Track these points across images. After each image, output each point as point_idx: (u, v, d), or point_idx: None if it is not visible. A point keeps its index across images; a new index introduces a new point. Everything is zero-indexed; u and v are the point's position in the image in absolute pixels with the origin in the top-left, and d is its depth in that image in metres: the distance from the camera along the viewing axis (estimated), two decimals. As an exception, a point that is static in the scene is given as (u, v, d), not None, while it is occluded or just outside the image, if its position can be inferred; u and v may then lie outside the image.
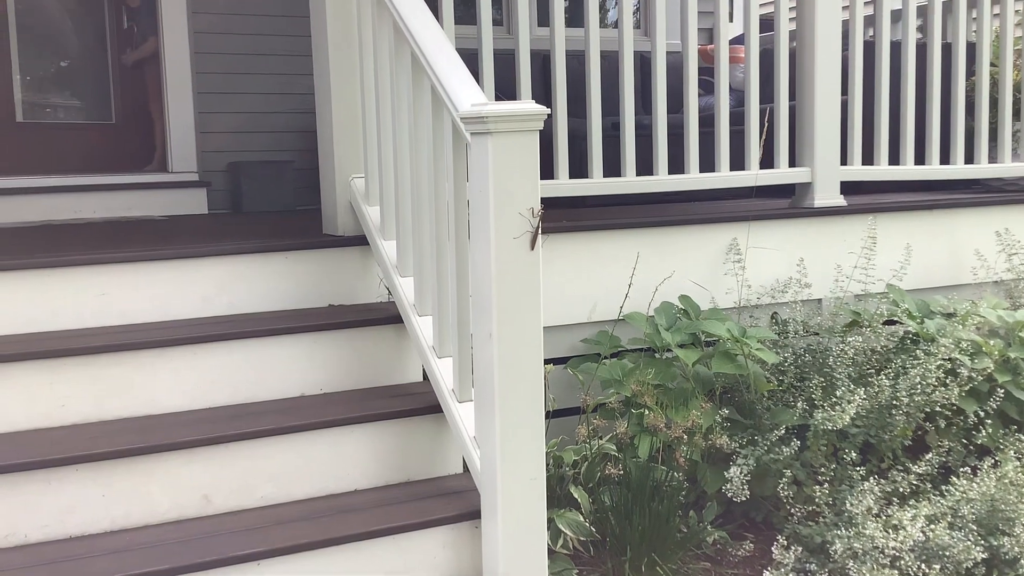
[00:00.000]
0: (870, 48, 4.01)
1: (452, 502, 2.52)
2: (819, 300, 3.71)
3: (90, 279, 2.77)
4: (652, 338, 3.20)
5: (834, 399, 3.00)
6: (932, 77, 4.11)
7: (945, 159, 4.21)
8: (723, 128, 3.66)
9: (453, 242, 2.51)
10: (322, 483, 2.57)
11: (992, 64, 4.41)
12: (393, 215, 2.90)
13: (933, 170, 4.17)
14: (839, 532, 2.73)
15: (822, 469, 2.98)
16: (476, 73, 2.82)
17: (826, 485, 2.89)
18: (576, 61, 3.48)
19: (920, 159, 4.14)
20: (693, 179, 3.63)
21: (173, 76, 5.09)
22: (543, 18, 3.80)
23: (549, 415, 2.46)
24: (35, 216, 4.68)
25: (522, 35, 3.35)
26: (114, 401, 2.58)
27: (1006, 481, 2.85)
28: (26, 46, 5.12)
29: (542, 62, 4.65)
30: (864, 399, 2.99)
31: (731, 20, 4.48)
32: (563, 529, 2.61)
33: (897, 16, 4.18)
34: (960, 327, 3.35)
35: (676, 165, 3.61)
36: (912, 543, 2.62)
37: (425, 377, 2.79)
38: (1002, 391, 3.23)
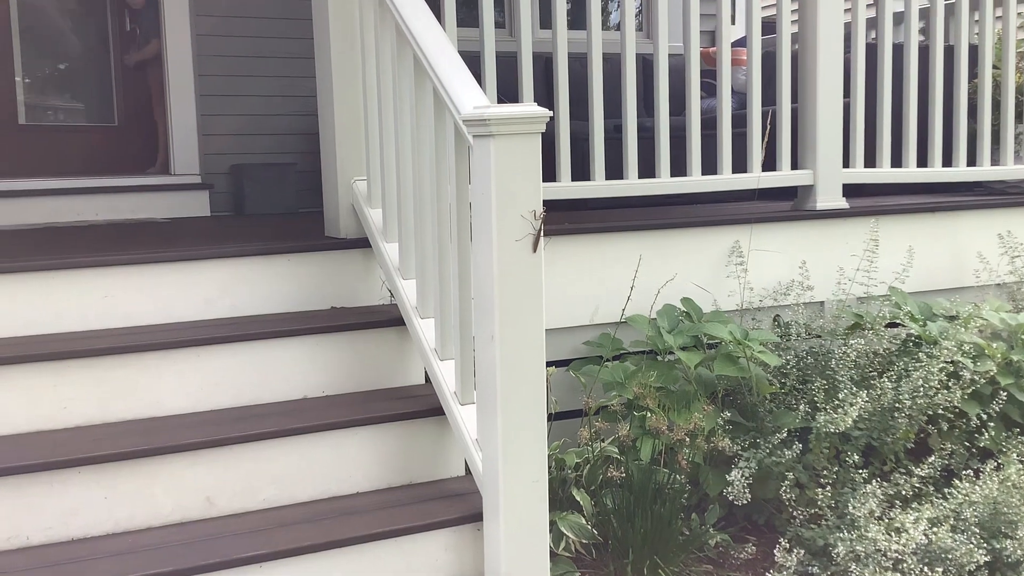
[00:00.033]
0: (872, 50, 4.01)
1: (454, 504, 2.52)
2: (821, 303, 3.71)
3: (93, 281, 2.77)
4: (654, 340, 3.20)
5: (836, 402, 3.00)
6: (934, 79, 4.11)
7: (947, 161, 4.21)
8: (725, 130, 3.66)
9: (455, 244, 2.51)
10: (325, 485, 2.57)
11: (995, 66, 4.41)
12: (395, 217, 2.90)
13: (935, 172, 4.17)
14: (841, 535, 2.72)
15: (824, 472, 2.98)
16: (478, 75, 2.83)
17: (828, 488, 2.89)
18: (578, 63, 3.48)
19: (922, 161, 4.14)
20: (695, 182, 3.63)
21: (175, 78, 5.10)
22: (545, 20, 3.80)
23: (551, 417, 2.46)
24: (38, 218, 4.68)
25: (524, 37, 3.36)
26: (117, 403, 2.58)
27: (1009, 484, 2.85)
28: (29, 48, 5.13)
29: (544, 64, 4.66)
30: (866, 402, 2.99)
31: (733, 22, 4.48)
32: (565, 532, 2.61)
33: (899, 18, 4.19)
34: (962, 330, 3.34)
35: (678, 167, 3.61)
36: (914, 546, 2.62)
37: (427, 379, 2.79)
38: (1005, 394, 3.23)
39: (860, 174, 3.95)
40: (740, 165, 3.73)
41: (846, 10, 3.86)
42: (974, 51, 4.33)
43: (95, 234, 3.92)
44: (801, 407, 3.07)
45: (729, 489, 2.83)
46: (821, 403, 3.03)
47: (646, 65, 4.84)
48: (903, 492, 2.90)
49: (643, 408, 2.92)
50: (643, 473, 2.81)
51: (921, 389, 3.08)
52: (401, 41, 2.73)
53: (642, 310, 3.36)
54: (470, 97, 2.36)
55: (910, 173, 4.10)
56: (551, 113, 2.33)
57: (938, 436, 3.20)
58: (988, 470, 2.96)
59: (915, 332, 3.38)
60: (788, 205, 3.92)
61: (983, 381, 3.23)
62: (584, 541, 2.64)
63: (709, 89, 4.07)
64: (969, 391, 3.18)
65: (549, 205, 2.34)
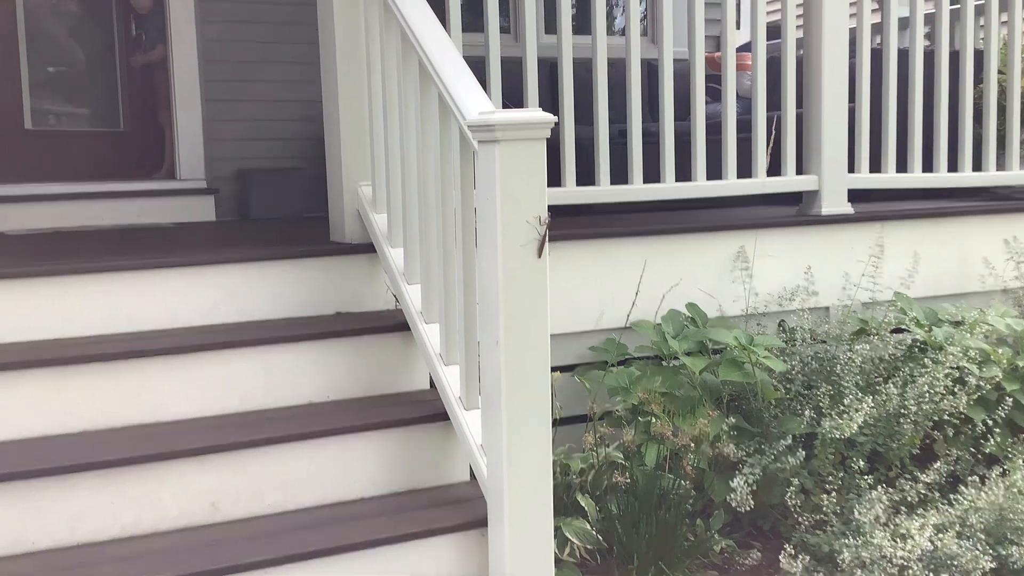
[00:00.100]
0: (877, 56, 4.01)
1: (459, 510, 2.52)
2: (826, 308, 3.70)
3: (100, 286, 2.78)
4: (659, 346, 3.20)
5: (842, 407, 3.00)
6: (939, 85, 4.11)
7: (953, 167, 4.20)
8: (730, 136, 3.66)
9: (460, 249, 2.52)
10: (330, 490, 2.57)
11: (1000, 71, 4.40)
12: (400, 222, 2.90)
13: (941, 178, 4.16)
14: (847, 541, 2.72)
15: (830, 478, 2.97)
16: (483, 81, 2.83)
17: (834, 494, 2.89)
18: (583, 68, 3.49)
19: (928, 167, 4.13)
20: (700, 187, 3.63)
21: (181, 83, 5.11)
22: (550, 26, 3.81)
23: (555, 423, 2.46)
24: (44, 223, 4.70)
25: (529, 43, 3.36)
26: (123, 408, 2.58)
27: (1014, 490, 2.84)
28: (35, 54, 5.14)
29: (549, 69, 4.66)
30: (872, 407, 2.99)
31: (738, 28, 4.48)
32: (570, 537, 2.61)
33: (904, 24, 4.18)
34: (968, 335, 3.34)
35: (683, 173, 3.61)
36: (920, 552, 2.62)
37: (432, 384, 2.79)
38: (1010, 400, 3.22)
39: (865, 179, 3.95)
40: (745, 170, 3.73)
41: (851, 15, 3.87)
42: (979, 56, 4.33)
43: (101, 239, 3.93)
44: (806, 413, 3.07)
45: (732, 495, 2.82)
46: (826, 409, 3.03)
47: (651, 70, 4.85)
48: (909, 498, 2.89)
49: (648, 413, 2.92)
50: (648, 479, 2.81)
51: (927, 395, 3.07)
52: (406, 47, 2.74)
53: (647, 315, 3.35)
54: (475, 103, 2.36)
55: (915, 178, 4.10)
56: (556, 119, 2.33)
57: (944, 442, 3.20)
58: (994, 476, 2.95)
59: (921, 338, 3.38)
60: (793, 210, 3.92)
61: (989, 387, 3.23)
62: (589, 547, 2.63)
63: (714, 94, 4.07)
64: (975, 397, 3.18)
65: (554, 210, 2.34)
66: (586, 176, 3.48)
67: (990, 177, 4.32)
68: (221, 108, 5.14)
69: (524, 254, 2.27)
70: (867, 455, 3.05)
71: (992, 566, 2.64)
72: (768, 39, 3.78)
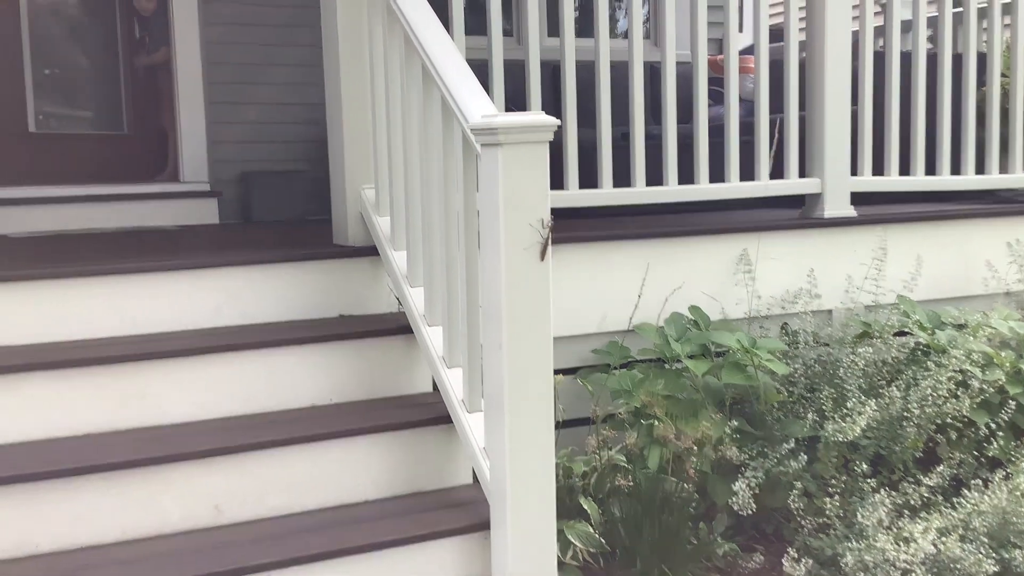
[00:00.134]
0: (880, 58, 4.01)
1: (462, 513, 2.52)
2: (829, 311, 3.70)
3: (103, 289, 2.78)
4: (662, 348, 3.20)
5: (845, 410, 2.99)
6: (942, 87, 4.11)
7: (956, 170, 4.20)
8: (733, 138, 3.67)
9: (463, 252, 2.52)
10: (333, 493, 2.58)
11: (1003, 74, 4.40)
12: (403, 225, 2.91)
13: (944, 181, 4.16)
14: (850, 544, 2.71)
15: (832, 481, 2.97)
16: (486, 83, 2.83)
17: (837, 497, 2.88)
18: (586, 71, 3.49)
19: (931, 170, 4.13)
20: (703, 190, 3.64)
21: (185, 86, 5.12)
22: (553, 28, 3.81)
23: (558, 425, 2.46)
24: (48, 226, 4.70)
25: (532, 46, 3.36)
26: (127, 411, 2.59)
27: (1018, 493, 2.84)
28: (39, 57, 5.15)
29: (552, 72, 4.66)
30: (875, 411, 2.98)
31: (741, 30, 4.49)
32: (573, 540, 2.61)
33: (907, 27, 4.19)
34: (971, 338, 3.34)
35: (685, 175, 3.61)
36: (923, 556, 2.61)
37: (435, 387, 2.79)
38: (1013, 403, 3.22)
39: (868, 182, 3.95)
40: (747, 173, 3.73)
41: (854, 18, 3.87)
42: (982, 59, 4.33)
43: (105, 242, 3.94)
44: (809, 416, 3.07)
45: (735, 499, 2.82)
46: (829, 412, 3.03)
47: (653, 73, 4.84)
48: (912, 501, 2.88)
49: (651, 416, 2.92)
50: (651, 482, 2.81)
51: (930, 398, 3.07)
52: (409, 50, 2.74)
53: (649, 318, 3.35)
54: (478, 106, 2.37)
55: (918, 181, 4.10)
56: (559, 122, 2.34)
57: (947, 445, 3.19)
58: (997, 479, 2.95)
59: (924, 341, 3.37)
60: (796, 213, 3.92)
61: (992, 390, 3.23)
62: (592, 550, 2.63)
63: (717, 97, 4.07)
64: (978, 400, 3.17)
65: (556, 213, 2.34)
66: (588, 178, 3.49)
67: (993, 180, 4.32)
68: (224, 111, 5.15)
69: (527, 257, 2.27)
70: (870, 458, 3.05)
71: (995, 570, 2.64)
72: (771, 42, 3.78)
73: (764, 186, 3.76)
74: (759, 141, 3.73)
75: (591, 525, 2.66)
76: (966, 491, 2.90)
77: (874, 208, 4.10)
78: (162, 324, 2.84)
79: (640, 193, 3.53)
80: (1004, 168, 4.38)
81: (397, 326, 2.89)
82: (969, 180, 4.23)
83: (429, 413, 2.70)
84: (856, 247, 3.77)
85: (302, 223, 4.82)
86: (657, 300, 3.37)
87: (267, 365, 2.73)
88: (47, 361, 2.53)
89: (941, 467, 2.97)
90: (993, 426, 3.20)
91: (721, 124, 3.69)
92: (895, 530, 2.72)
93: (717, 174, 3.67)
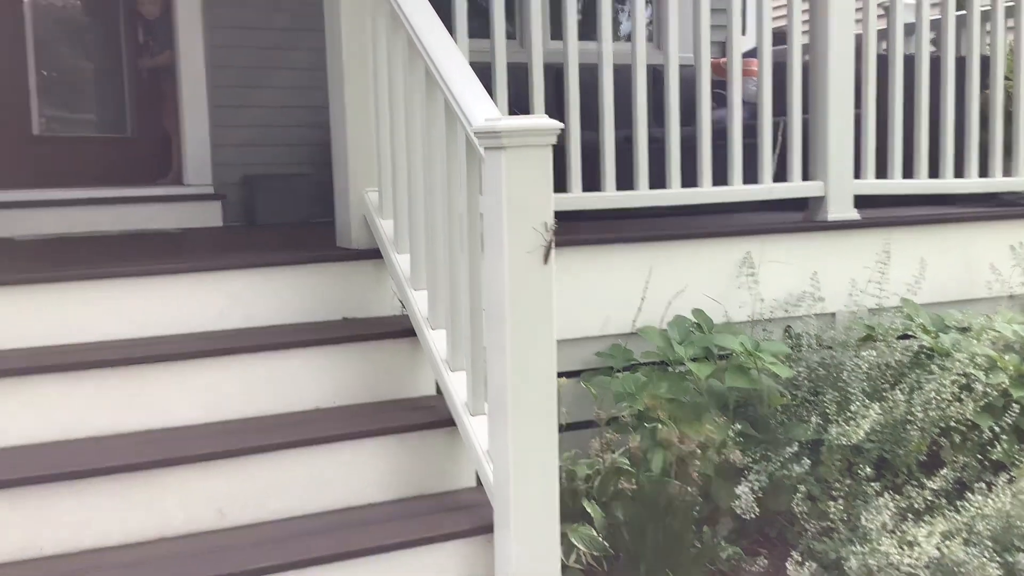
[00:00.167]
0: (883, 61, 4.01)
1: (465, 516, 2.52)
2: (833, 314, 3.70)
3: (107, 292, 2.79)
4: (665, 352, 3.19)
5: (848, 414, 2.99)
6: (946, 91, 4.11)
7: (959, 173, 4.20)
8: (736, 141, 3.67)
9: (466, 256, 2.52)
10: (336, 496, 2.58)
11: (1007, 77, 4.40)
12: (407, 229, 2.91)
13: (947, 184, 4.16)
14: (854, 548, 2.71)
15: (836, 484, 2.97)
16: (489, 87, 2.83)
17: (840, 501, 2.88)
18: (589, 74, 3.49)
19: (934, 173, 4.12)
20: (706, 193, 3.64)
21: (188, 90, 5.12)
22: (556, 31, 3.81)
23: (561, 428, 2.46)
24: (52, 229, 4.71)
25: (535, 49, 3.36)
26: (130, 414, 2.59)
27: (1022, 497, 2.84)
28: (43, 60, 5.16)
29: (555, 75, 4.66)
30: (879, 414, 2.98)
31: (744, 33, 4.47)
32: (576, 544, 2.61)
33: (910, 30, 4.18)
34: (975, 342, 3.33)
35: (689, 178, 3.61)
36: (927, 559, 2.61)
37: (438, 390, 2.79)
38: (1017, 406, 3.21)
39: (871, 185, 3.94)
40: (751, 176, 3.73)
41: (857, 21, 3.87)
42: (986, 62, 4.32)
43: (108, 245, 3.94)
44: (813, 419, 3.07)
45: (738, 503, 2.82)
46: (833, 415, 3.02)
47: (656, 76, 4.84)
48: (916, 505, 2.88)
49: (654, 420, 2.92)
50: (654, 485, 2.80)
51: (933, 401, 3.07)
52: (413, 53, 2.74)
53: (653, 321, 3.35)
54: (481, 109, 2.37)
55: (922, 184, 4.09)
56: (562, 126, 2.34)
57: (951, 449, 3.19)
58: (1001, 483, 2.95)
59: (927, 344, 3.37)
60: (799, 216, 3.92)
61: (996, 393, 3.22)
62: (595, 553, 2.63)
63: (720, 100, 4.07)
64: (982, 403, 3.17)
65: (559, 215, 2.34)
66: (591, 181, 3.49)
67: (996, 183, 4.32)
68: (228, 114, 5.15)
69: (530, 260, 2.27)
70: (874, 462, 3.04)
71: (999, 573, 2.63)
72: (774, 44, 3.78)
73: (767, 189, 3.76)
74: (762, 144, 3.73)
75: (594, 528, 2.66)
76: (970, 494, 2.90)
77: (877, 211, 4.10)
78: (166, 327, 2.84)
79: (643, 196, 3.53)
80: (1007, 171, 4.37)
81: (400, 329, 2.89)
82: (972, 183, 4.23)
83: (432, 416, 2.71)
84: (859, 250, 3.77)
85: (305, 226, 4.82)
86: (660, 303, 3.37)
87: (271, 368, 2.73)
88: (50, 364, 2.53)
89: (945, 470, 2.97)
90: (997, 429, 3.19)
91: (724, 127, 3.69)
92: (899, 534, 2.72)
93: (720, 177, 3.67)
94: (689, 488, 2.82)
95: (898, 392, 3.10)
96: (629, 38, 3.61)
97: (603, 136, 3.45)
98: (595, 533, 2.65)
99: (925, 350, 3.39)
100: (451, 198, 2.59)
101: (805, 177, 3.83)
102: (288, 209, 5.06)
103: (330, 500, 2.57)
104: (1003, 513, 2.78)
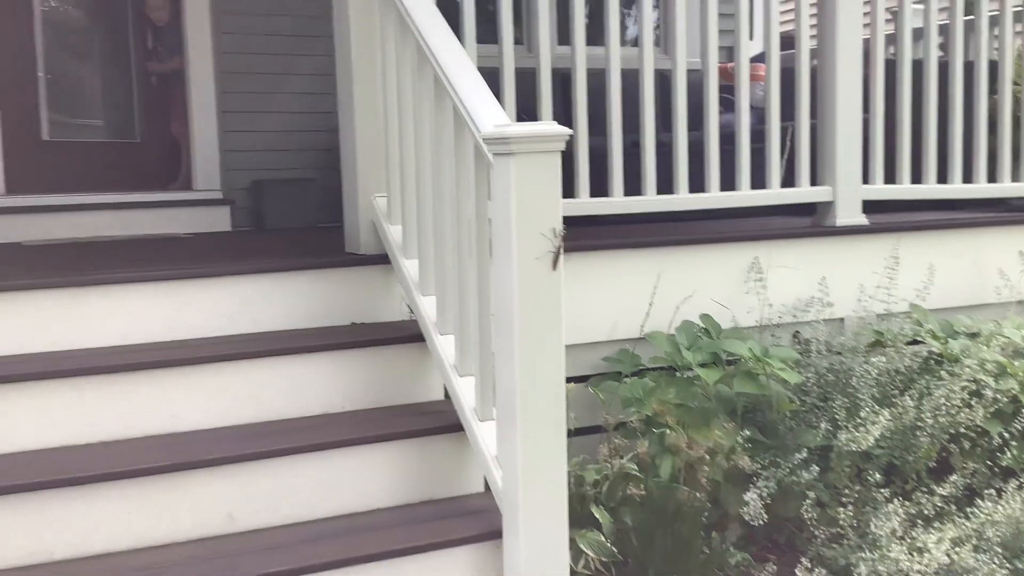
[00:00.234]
0: (891, 66, 4.01)
1: (474, 521, 2.52)
2: (841, 319, 3.69)
3: (116, 298, 2.80)
4: (673, 357, 3.19)
5: (858, 420, 2.98)
6: (954, 95, 4.10)
7: (967, 178, 4.19)
8: (744, 146, 3.66)
9: (475, 261, 2.52)
10: (345, 501, 2.58)
11: (1015, 82, 4.39)
12: (415, 234, 2.92)
13: (955, 189, 4.15)
14: (863, 555, 2.71)
15: (846, 491, 2.96)
16: (497, 92, 2.84)
17: (850, 507, 2.87)
18: (596, 79, 3.49)
19: (942, 178, 4.12)
20: (714, 198, 3.63)
21: (197, 95, 5.15)
22: (563, 37, 3.82)
23: (570, 434, 2.46)
24: (61, 233, 4.73)
25: (543, 54, 3.37)
26: (139, 419, 2.60)
27: (1032, 503, 2.83)
28: (52, 65, 5.19)
29: (562, 80, 4.67)
30: (888, 420, 2.97)
31: (751, 38, 4.47)
32: (585, 550, 2.61)
33: (918, 34, 4.18)
34: (984, 348, 3.32)
35: (696, 183, 3.61)
36: (937, 566, 2.60)
37: (447, 395, 2.79)
38: (1027, 412, 3.21)
39: (879, 190, 3.94)
40: (759, 181, 3.73)
41: (865, 26, 3.86)
42: (994, 67, 4.32)
43: (117, 250, 3.95)
44: (822, 425, 3.06)
45: (746, 509, 2.81)
46: (842, 421, 3.02)
47: (664, 81, 4.84)
48: (925, 511, 2.87)
49: (662, 425, 2.91)
50: (663, 491, 2.80)
51: (943, 407, 3.06)
52: (422, 60, 2.75)
53: (661, 326, 3.35)
54: (490, 115, 2.38)
55: (930, 189, 4.09)
56: (571, 132, 2.34)
57: (960, 455, 3.18)
58: (1011, 489, 2.94)
59: (937, 350, 3.36)
60: (807, 221, 3.91)
61: (1005, 399, 3.21)
62: (604, 559, 2.63)
63: (727, 105, 4.07)
64: (991, 409, 3.16)
65: (567, 221, 2.34)
66: (599, 186, 3.49)
67: (1005, 188, 4.31)
68: (237, 119, 5.17)
69: (539, 266, 2.28)
70: (883, 468, 3.03)
71: (1010, 580, 2.63)
72: (782, 49, 3.78)
73: (776, 194, 3.76)
74: (770, 149, 3.72)
75: (603, 534, 2.66)
76: (979, 501, 2.89)
77: (886, 216, 4.09)
78: (175, 332, 2.85)
79: (651, 201, 3.53)
80: (1016, 176, 4.36)
81: (409, 334, 2.90)
82: (981, 188, 4.22)
83: (441, 421, 2.71)
84: (868, 255, 3.76)
85: (314, 231, 4.83)
86: (668, 308, 3.37)
87: (279, 373, 2.74)
88: (61, 369, 2.54)
89: (954, 477, 2.96)
90: (1007, 436, 3.18)
91: (732, 132, 3.69)
92: (908, 540, 2.71)
93: (728, 182, 3.66)
94: (698, 494, 2.82)
95: (907, 398, 3.09)
96: (636, 43, 3.61)
97: (611, 141, 3.45)
98: (603, 539, 2.64)
99: (934, 356, 3.38)
100: (460, 203, 2.60)
101: (813, 182, 3.83)
102: (297, 214, 5.08)
103: (339, 505, 2.57)
104: (1013, 519, 2.77)
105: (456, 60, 2.59)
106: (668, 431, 2.88)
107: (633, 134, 3.60)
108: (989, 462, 3.20)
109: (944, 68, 4.13)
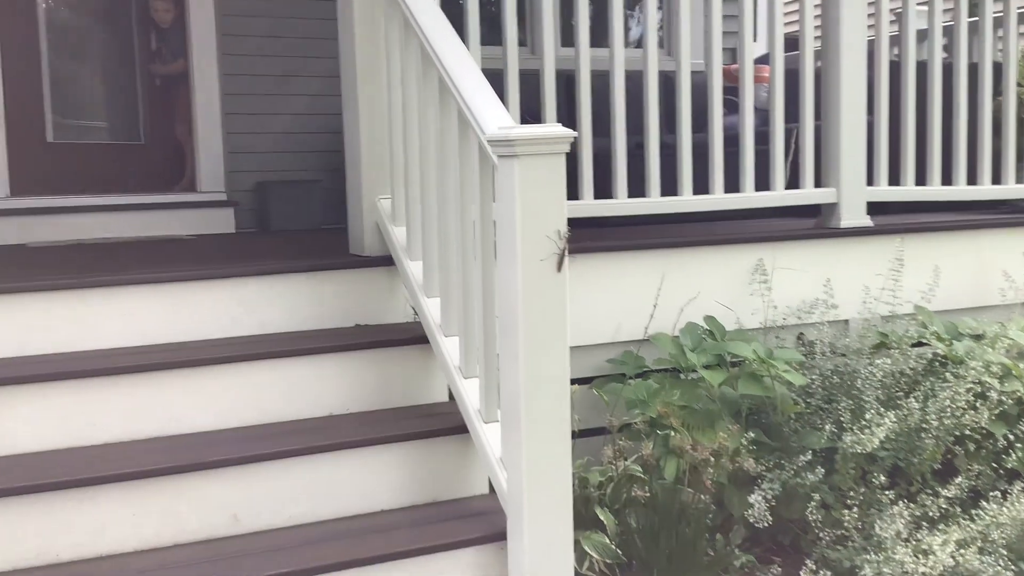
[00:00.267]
0: (896, 68, 4.00)
1: (478, 523, 2.52)
2: (846, 321, 3.69)
3: (121, 299, 2.80)
4: (677, 359, 3.19)
5: (863, 422, 2.98)
6: (958, 97, 4.10)
7: (972, 179, 4.18)
8: (748, 148, 3.66)
9: (479, 263, 2.52)
10: (349, 503, 2.58)
11: (1019, 84, 4.39)
12: (419, 236, 2.92)
13: (960, 191, 4.15)
14: (868, 557, 2.70)
15: (851, 493, 2.96)
16: (501, 94, 2.84)
17: (855, 509, 2.87)
18: (600, 80, 3.50)
19: (947, 179, 4.11)
20: (718, 199, 3.63)
21: (201, 96, 5.16)
22: (567, 38, 3.82)
23: (574, 435, 2.46)
24: (65, 235, 4.74)
25: (547, 56, 3.37)
26: (144, 421, 2.60)
27: (1037, 506, 2.82)
28: (56, 67, 5.20)
29: (566, 81, 4.67)
30: (893, 422, 2.97)
31: (755, 39, 4.48)
32: (589, 551, 2.61)
33: (923, 36, 4.18)
34: (989, 349, 3.32)
35: (700, 184, 3.61)
36: (942, 568, 2.60)
37: (451, 397, 2.80)
38: (1032, 414, 3.20)
39: (884, 192, 3.94)
40: (763, 182, 3.73)
41: (869, 27, 3.86)
42: (998, 68, 4.31)
43: (122, 251, 3.96)
44: (827, 427, 3.05)
45: (751, 511, 2.81)
46: (847, 423, 3.01)
47: (668, 82, 4.84)
48: (930, 513, 2.87)
49: (666, 427, 2.91)
50: (667, 493, 2.80)
51: (948, 409, 3.06)
52: (426, 62, 2.75)
53: (665, 328, 3.35)
54: (494, 117, 2.38)
55: (934, 191, 4.08)
56: (575, 134, 2.34)
57: (965, 457, 3.17)
58: (1016, 491, 2.93)
59: (942, 352, 3.36)
60: (812, 223, 3.91)
61: (1010, 401, 3.20)
62: (608, 561, 2.63)
63: (731, 106, 4.07)
64: (996, 412, 3.15)
65: (571, 223, 2.35)
66: (603, 188, 3.49)
67: (1010, 190, 4.30)
68: (241, 121, 5.18)
69: (544, 268, 2.28)
70: (888, 470, 3.03)
71: (1015, 582, 2.62)
72: (786, 51, 3.77)
73: (780, 196, 3.76)
74: (774, 150, 3.72)
75: (607, 536, 2.66)
76: (984, 503, 2.88)
77: (890, 217, 4.09)
78: (179, 334, 2.86)
79: (655, 203, 3.53)
80: (1020, 178, 4.36)
81: (413, 336, 2.90)
82: (985, 190, 4.22)
83: (445, 423, 2.71)
84: (872, 257, 3.76)
85: (318, 232, 4.83)
86: (672, 310, 3.37)
87: (284, 375, 2.74)
88: (66, 371, 2.55)
89: (959, 479, 2.96)
90: (1011, 438, 3.17)
91: (736, 134, 3.68)
92: (913, 542, 2.71)
93: (732, 184, 3.66)
94: (702, 496, 2.81)
95: (912, 400, 3.09)
96: (640, 44, 3.61)
97: (615, 143, 3.45)
98: (608, 540, 2.64)
99: (939, 358, 3.38)
100: (464, 205, 2.60)
101: (817, 184, 3.82)
102: (301, 216, 5.08)
103: (343, 506, 2.57)
104: (1018, 521, 2.77)
105: (460, 62, 2.60)
106: (672, 433, 2.88)
107: (637, 136, 3.60)
108: (994, 464, 3.19)
109: (948, 70, 4.12)
